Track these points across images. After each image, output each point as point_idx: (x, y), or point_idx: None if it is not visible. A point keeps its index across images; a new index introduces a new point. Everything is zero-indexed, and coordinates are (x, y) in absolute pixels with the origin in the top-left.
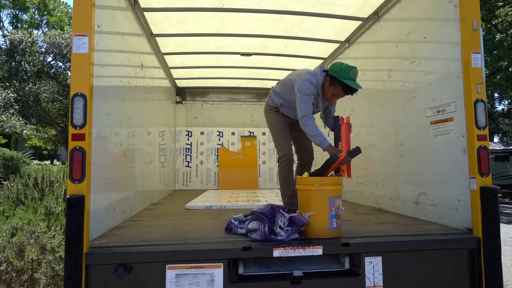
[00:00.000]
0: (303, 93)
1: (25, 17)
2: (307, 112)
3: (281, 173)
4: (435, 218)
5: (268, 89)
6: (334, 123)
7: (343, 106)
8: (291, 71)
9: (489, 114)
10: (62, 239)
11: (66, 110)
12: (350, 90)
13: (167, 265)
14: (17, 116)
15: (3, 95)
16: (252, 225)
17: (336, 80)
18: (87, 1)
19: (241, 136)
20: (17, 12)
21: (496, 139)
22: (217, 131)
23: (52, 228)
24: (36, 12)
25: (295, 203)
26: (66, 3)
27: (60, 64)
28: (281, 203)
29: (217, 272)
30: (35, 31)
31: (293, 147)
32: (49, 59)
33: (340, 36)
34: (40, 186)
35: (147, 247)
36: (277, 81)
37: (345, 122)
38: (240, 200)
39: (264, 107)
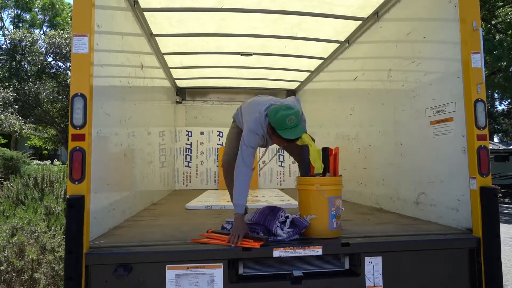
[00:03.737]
0: (246, 145)
1: (27, 17)
2: (244, 163)
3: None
4: (435, 218)
5: (268, 89)
6: (324, 155)
7: (343, 106)
8: (253, 99)
9: (489, 114)
10: (62, 239)
11: (66, 110)
12: (291, 139)
13: (167, 265)
14: (16, 115)
15: (2, 94)
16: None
17: (275, 131)
18: (87, 1)
19: None
20: (19, 12)
21: (496, 139)
22: (217, 131)
23: (52, 228)
24: (39, 12)
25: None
26: (70, 4)
27: (60, 64)
28: (280, 203)
29: (217, 272)
30: (36, 31)
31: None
32: (49, 59)
33: (340, 36)
34: (40, 186)
35: (147, 247)
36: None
37: (333, 153)
38: None
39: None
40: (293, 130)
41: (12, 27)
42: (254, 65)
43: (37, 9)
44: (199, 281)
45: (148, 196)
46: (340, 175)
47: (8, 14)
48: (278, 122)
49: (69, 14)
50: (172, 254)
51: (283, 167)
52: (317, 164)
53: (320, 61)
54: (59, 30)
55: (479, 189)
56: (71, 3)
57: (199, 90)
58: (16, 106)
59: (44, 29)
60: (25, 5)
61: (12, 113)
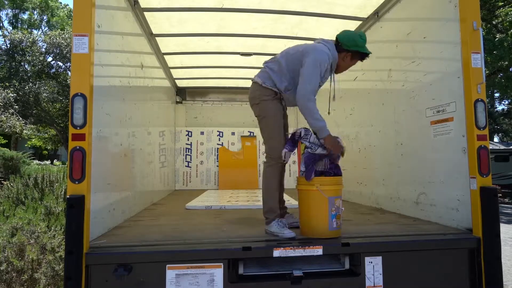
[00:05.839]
0: (316, 66)
1: (24, 17)
2: (313, 91)
3: (272, 173)
4: (435, 218)
5: None
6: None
7: (343, 106)
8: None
9: (489, 114)
10: (62, 239)
11: (66, 110)
12: (364, 58)
13: (167, 265)
14: (17, 116)
15: (3, 95)
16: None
17: (358, 54)
18: (87, 1)
19: (241, 136)
20: (16, 12)
21: (496, 139)
22: (217, 131)
23: (52, 228)
24: (35, 12)
25: (274, 210)
26: (67, 5)
27: (60, 64)
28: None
29: (217, 272)
30: (35, 31)
31: None
32: (49, 59)
33: None
34: (40, 186)
35: (147, 247)
36: (271, 57)
37: None
38: (240, 200)
39: (255, 91)
40: (366, 47)
41: (10, 28)
42: (254, 65)
43: (33, 10)
44: (199, 281)
45: (148, 196)
46: (340, 175)
47: (7, 14)
48: (361, 42)
49: (69, 14)
50: (172, 254)
51: None
52: None
53: None
54: (59, 30)
55: (479, 189)
56: (67, 2)
57: (199, 90)
58: (17, 106)
59: (43, 29)
60: (22, 4)
61: (12, 114)
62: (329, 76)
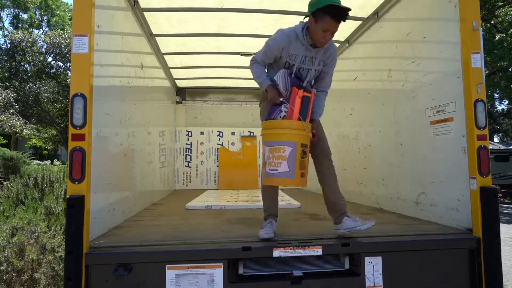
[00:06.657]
0: (267, 42)
1: (25, 16)
2: (257, 58)
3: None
4: (435, 218)
5: None
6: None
7: (343, 106)
8: None
9: (489, 114)
10: (62, 239)
11: (66, 110)
12: (339, 14)
13: (167, 265)
14: (17, 115)
15: (3, 95)
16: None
17: (320, 11)
18: (87, 1)
19: (241, 136)
20: (17, 12)
21: (496, 139)
22: (217, 131)
23: (52, 228)
24: (37, 12)
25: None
26: (67, 3)
27: (60, 64)
28: (281, 203)
29: (217, 272)
30: (36, 31)
31: None
32: (50, 59)
33: (340, 36)
34: (40, 186)
35: (147, 247)
36: None
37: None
38: (240, 200)
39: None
40: (338, 1)
41: (11, 28)
42: None
43: (35, 9)
44: (199, 281)
45: (148, 196)
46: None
47: (8, 14)
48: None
49: (69, 14)
50: (172, 254)
51: None
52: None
53: None
54: (59, 30)
55: (479, 189)
56: (67, 2)
57: (199, 90)
58: (17, 106)
59: (44, 29)
60: (23, 4)
61: (13, 114)
62: (306, 53)
